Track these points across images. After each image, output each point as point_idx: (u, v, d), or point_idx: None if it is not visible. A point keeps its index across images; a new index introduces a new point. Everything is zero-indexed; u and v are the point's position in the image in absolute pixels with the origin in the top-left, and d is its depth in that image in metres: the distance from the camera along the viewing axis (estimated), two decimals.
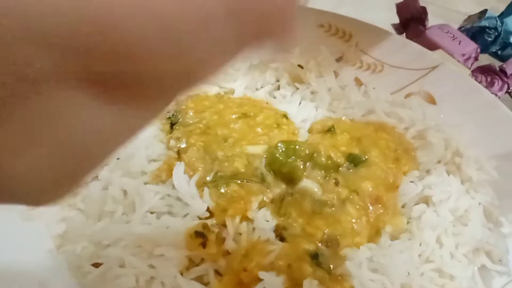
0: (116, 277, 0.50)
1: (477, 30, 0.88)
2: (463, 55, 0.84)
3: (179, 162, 0.57)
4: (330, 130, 0.63)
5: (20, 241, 0.56)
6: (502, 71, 0.83)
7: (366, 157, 0.60)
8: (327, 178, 0.58)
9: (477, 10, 0.93)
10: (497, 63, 0.85)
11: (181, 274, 0.50)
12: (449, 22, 0.90)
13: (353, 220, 0.55)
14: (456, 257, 0.57)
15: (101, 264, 0.52)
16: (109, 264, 0.51)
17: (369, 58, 0.79)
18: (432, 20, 0.89)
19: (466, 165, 0.64)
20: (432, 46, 0.83)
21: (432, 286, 0.54)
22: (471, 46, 0.85)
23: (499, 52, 0.90)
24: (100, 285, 0.51)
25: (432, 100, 0.74)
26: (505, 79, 0.83)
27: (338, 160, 0.59)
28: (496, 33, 0.88)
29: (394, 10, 0.91)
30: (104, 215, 0.57)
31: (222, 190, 0.54)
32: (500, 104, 0.71)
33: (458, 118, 0.70)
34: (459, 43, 0.84)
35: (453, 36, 0.85)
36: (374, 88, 0.75)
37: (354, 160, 0.59)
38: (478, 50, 0.85)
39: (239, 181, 0.56)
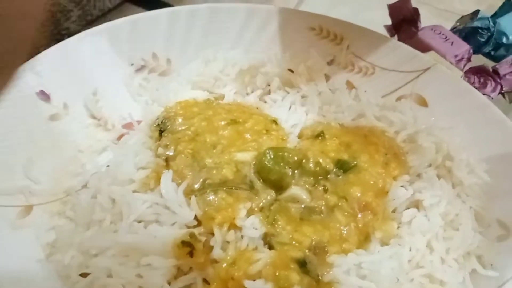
0: (104, 287, 0.50)
1: (469, 31, 0.88)
2: (456, 56, 0.83)
3: (167, 170, 0.57)
4: (319, 135, 0.63)
5: (9, 250, 0.56)
6: (495, 72, 0.83)
7: (355, 162, 0.59)
8: (315, 185, 0.57)
9: (474, 8, 0.92)
10: (490, 64, 0.85)
11: (169, 283, 0.50)
12: (444, 22, 0.89)
13: (342, 227, 0.54)
14: (447, 262, 0.57)
15: (89, 274, 0.52)
16: (97, 274, 0.51)
17: (361, 61, 0.79)
18: (426, 20, 0.89)
19: (457, 169, 0.63)
20: (424, 47, 0.83)
21: None
22: (463, 47, 0.84)
23: (492, 53, 0.89)
24: None
25: (423, 103, 0.74)
26: (498, 80, 0.82)
27: (327, 167, 0.59)
28: (489, 34, 0.87)
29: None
30: (92, 223, 0.57)
31: (210, 198, 0.54)
32: (491, 106, 0.70)
33: (449, 121, 0.70)
34: (452, 44, 0.84)
35: (446, 37, 0.85)
36: (365, 91, 0.75)
37: (343, 166, 0.59)
38: (471, 51, 0.85)
39: (227, 189, 0.55)
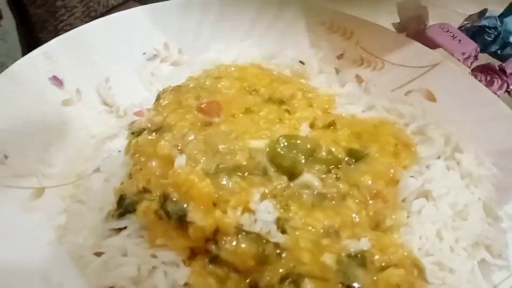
0: (118, 266, 0.51)
1: (477, 30, 0.89)
2: (463, 54, 0.84)
3: (180, 155, 0.57)
4: (331, 125, 0.64)
5: (21, 232, 0.56)
6: (502, 70, 0.84)
7: (367, 152, 0.60)
8: (327, 173, 0.58)
9: (479, 9, 0.93)
10: (496, 63, 0.86)
11: (184, 263, 0.51)
12: (451, 22, 0.90)
13: (353, 214, 0.54)
14: (456, 251, 0.57)
15: (103, 253, 0.52)
16: (111, 253, 0.52)
17: (370, 56, 0.80)
18: (433, 19, 0.90)
19: (466, 161, 0.64)
20: (432, 44, 0.84)
21: (432, 279, 0.54)
22: (471, 45, 0.85)
23: (498, 52, 0.91)
24: (102, 274, 0.51)
25: (432, 97, 0.75)
26: (505, 78, 0.83)
27: (339, 155, 0.59)
28: (496, 33, 0.88)
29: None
30: (106, 206, 0.57)
31: (224, 182, 0.54)
32: (498, 101, 0.72)
33: (457, 115, 0.71)
34: (459, 42, 0.85)
35: (453, 35, 0.86)
36: (374, 85, 0.76)
37: (355, 155, 0.60)
38: (478, 49, 0.86)
39: (240, 174, 0.56)
